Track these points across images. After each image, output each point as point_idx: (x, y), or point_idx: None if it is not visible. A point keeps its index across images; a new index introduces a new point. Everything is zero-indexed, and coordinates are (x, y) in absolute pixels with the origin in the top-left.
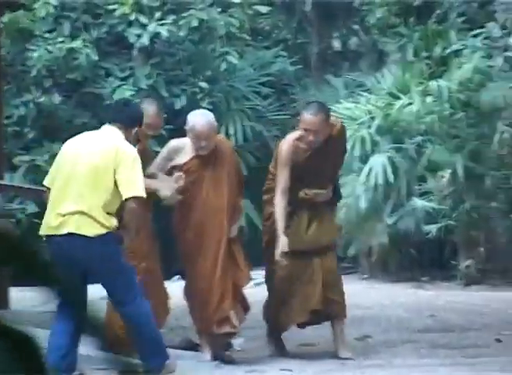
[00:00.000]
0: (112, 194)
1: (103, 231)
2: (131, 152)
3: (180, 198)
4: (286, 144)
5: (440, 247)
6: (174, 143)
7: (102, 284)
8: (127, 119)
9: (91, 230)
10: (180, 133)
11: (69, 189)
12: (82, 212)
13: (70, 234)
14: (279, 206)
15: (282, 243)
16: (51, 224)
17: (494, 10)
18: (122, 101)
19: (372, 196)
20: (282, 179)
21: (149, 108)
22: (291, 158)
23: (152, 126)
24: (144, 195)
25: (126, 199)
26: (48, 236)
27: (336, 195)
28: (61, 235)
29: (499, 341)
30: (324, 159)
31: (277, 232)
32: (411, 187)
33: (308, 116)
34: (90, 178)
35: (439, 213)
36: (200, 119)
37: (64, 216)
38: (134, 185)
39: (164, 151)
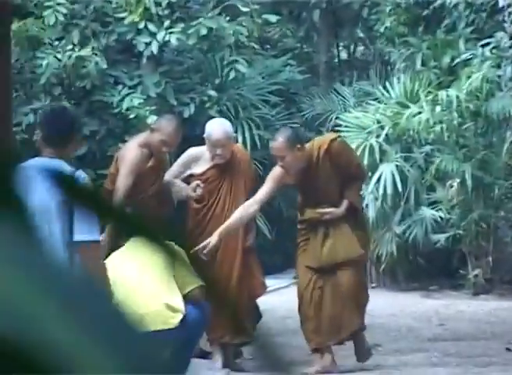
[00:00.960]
0: None
1: None
2: None
3: (196, 207)
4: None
5: (448, 256)
6: (193, 151)
7: None
8: None
9: None
10: (188, 141)
11: None
12: None
13: None
14: (241, 213)
15: (211, 241)
16: None
17: (503, 20)
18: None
19: (381, 205)
20: (263, 192)
21: (168, 126)
22: (281, 179)
23: (168, 143)
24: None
25: None
26: None
27: (355, 210)
28: None
29: (509, 350)
30: (318, 179)
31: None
32: (420, 197)
33: (272, 144)
34: None
35: (447, 223)
36: (216, 127)
37: None
38: None
39: (182, 159)
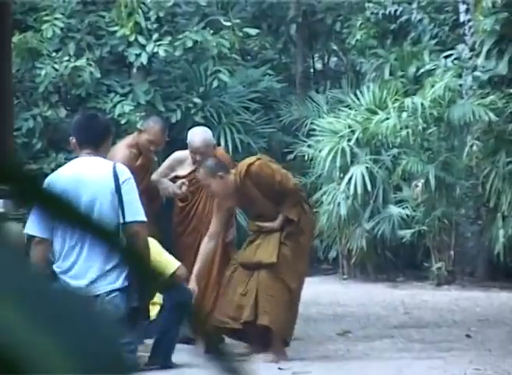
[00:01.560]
0: None
1: None
2: None
3: (180, 205)
4: None
5: (414, 250)
6: (177, 155)
7: None
8: None
9: None
10: (175, 144)
11: None
12: None
13: None
14: (204, 251)
15: (193, 288)
16: None
17: (464, 33)
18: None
19: (352, 203)
20: (214, 224)
21: (154, 127)
22: (222, 206)
23: (155, 142)
24: None
25: None
26: None
27: (291, 221)
28: None
29: (468, 336)
30: (249, 199)
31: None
32: (388, 195)
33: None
34: None
35: (412, 219)
36: (197, 136)
37: None
38: None
39: (168, 161)
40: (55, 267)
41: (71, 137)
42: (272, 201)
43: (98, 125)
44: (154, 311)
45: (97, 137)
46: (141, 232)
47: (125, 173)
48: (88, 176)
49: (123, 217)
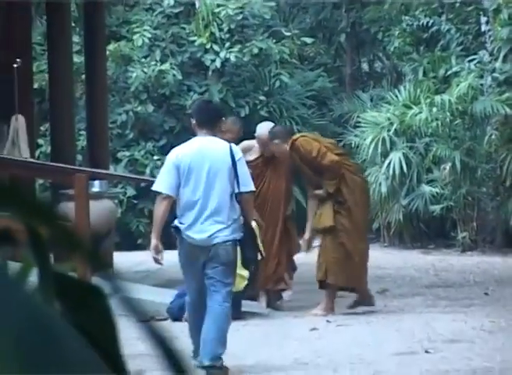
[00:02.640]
0: None
1: None
2: None
3: None
4: None
5: (443, 222)
6: (245, 144)
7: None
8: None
9: None
10: (244, 134)
11: None
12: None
13: None
14: (311, 207)
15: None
16: None
17: (485, 41)
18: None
19: (391, 183)
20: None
21: (234, 126)
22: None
23: (234, 138)
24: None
25: None
26: None
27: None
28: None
29: (486, 294)
30: (299, 167)
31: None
32: (421, 176)
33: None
34: None
35: (441, 196)
36: (264, 130)
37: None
38: None
39: None
40: (177, 222)
41: (191, 119)
42: (316, 173)
43: (214, 109)
44: (242, 284)
45: (213, 119)
46: (251, 200)
47: (239, 152)
48: (211, 152)
49: (238, 187)
